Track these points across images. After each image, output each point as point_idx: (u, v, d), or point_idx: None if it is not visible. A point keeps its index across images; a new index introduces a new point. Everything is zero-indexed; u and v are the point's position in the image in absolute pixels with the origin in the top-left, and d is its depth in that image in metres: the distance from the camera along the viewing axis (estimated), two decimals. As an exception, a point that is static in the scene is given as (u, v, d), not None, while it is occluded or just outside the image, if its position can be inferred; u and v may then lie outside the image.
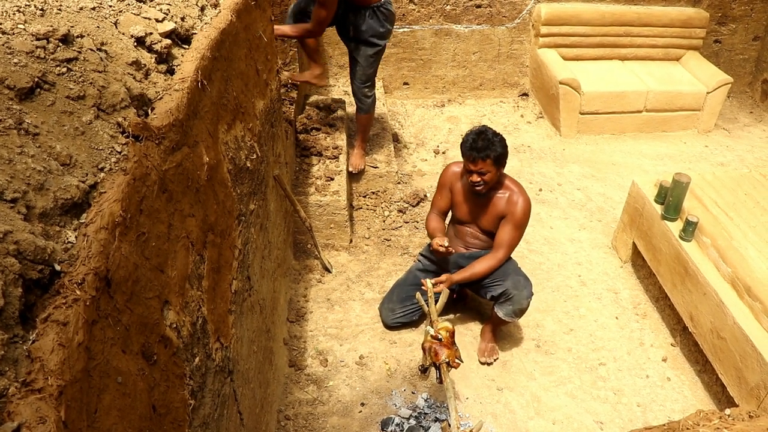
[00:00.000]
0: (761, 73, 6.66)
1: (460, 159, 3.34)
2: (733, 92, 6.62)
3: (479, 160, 3.16)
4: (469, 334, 3.72)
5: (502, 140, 3.23)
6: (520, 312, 3.40)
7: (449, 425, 3.06)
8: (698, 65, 6.07)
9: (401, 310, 3.62)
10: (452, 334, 2.87)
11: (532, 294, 3.37)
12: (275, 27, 3.77)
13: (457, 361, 2.79)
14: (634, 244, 4.16)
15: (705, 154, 5.75)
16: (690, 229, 3.52)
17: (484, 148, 3.14)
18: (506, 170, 5.18)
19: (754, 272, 3.18)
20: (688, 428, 1.19)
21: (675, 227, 3.66)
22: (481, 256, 3.44)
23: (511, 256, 3.46)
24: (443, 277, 3.32)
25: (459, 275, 3.37)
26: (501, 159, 3.22)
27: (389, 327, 3.69)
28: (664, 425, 1.26)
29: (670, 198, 3.65)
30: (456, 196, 3.51)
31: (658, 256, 3.80)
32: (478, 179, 3.22)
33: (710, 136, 6.04)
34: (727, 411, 1.25)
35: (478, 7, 5.86)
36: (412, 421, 3.13)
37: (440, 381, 2.79)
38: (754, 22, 6.47)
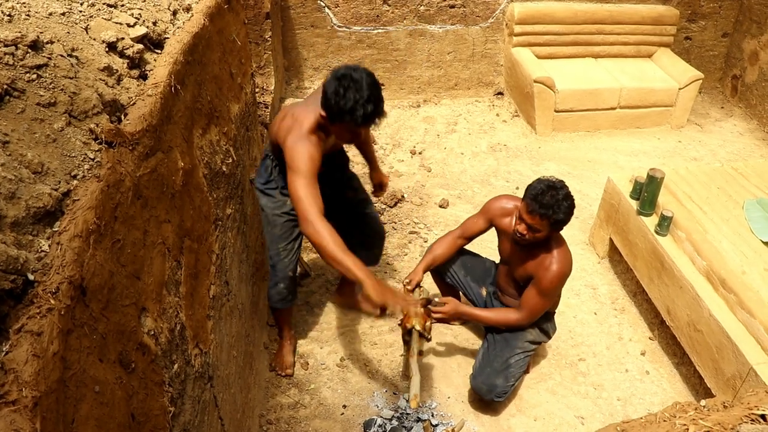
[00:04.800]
0: (731, 69, 6.77)
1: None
2: (704, 88, 6.71)
3: (537, 216, 2.78)
4: (454, 336, 3.74)
5: (571, 206, 2.82)
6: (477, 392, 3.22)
7: (431, 425, 3.08)
8: (670, 62, 6.15)
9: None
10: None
11: (498, 398, 3.16)
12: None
13: (426, 334, 2.79)
14: (610, 239, 4.20)
15: (678, 150, 5.82)
16: (665, 224, 3.56)
17: (548, 206, 2.75)
18: (483, 169, 5.27)
19: (729, 265, 3.23)
20: (665, 420, 1.21)
21: (650, 222, 3.70)
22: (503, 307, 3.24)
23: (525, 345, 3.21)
24: (448, 308, 3.02)
25: (470, 311, 3.14)
26: (559, 225, 2.84)
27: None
28: (641, 418, 1.27)
29: (645, 193, 3.69)
30: (502, 233, 3.20)
31: (635, 251, 3.84)
32: (525, 232, 2.87)
33: (683, 131, 6.12)
34: (703, 402, 1.27)
35: (452, 7, 5.88)
36: (395, 422, 3.13)
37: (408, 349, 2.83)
38: (722, 19, 6.57)
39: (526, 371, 3.47)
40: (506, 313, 3.14)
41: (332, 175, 3.09)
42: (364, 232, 3.45)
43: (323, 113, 2.56)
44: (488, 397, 3.14)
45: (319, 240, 2.44)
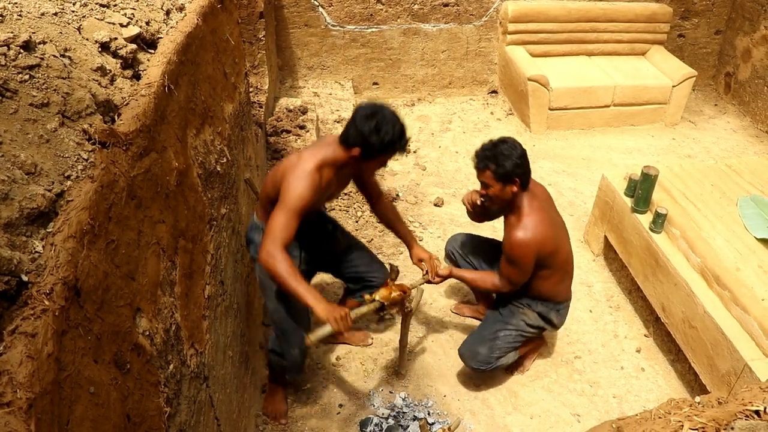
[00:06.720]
0: (724, 66, 6.79)
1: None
2: (698, 85, 6.73)
3: (478, 169, 2.87)
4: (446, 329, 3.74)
5: (518, 158, 2.80)
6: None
7: (428, 423, 3.08)
8: (663, 59, 6.17)
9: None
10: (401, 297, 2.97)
11: (479, 367, 3.19)
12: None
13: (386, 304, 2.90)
14: (605, 237, 4.21)
15: (672, 147, 5.84)
16: (659, 221, 3.57)
17: (485, 158, 2.82)
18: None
19: (723, 262, 3.24)
20: (660, 417, 1.21)
21: (645, 219, 3.71)
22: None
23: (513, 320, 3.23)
24: (446, 270, 3.15)
25: (462, 273, 3.23)
26: (505, 177, 2.81)
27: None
28: (636, 415, 1.28)
29: (640, 191, 3.69)
30: None
31: (629, 248, 3.85)
32: (483, 191, 2.94)
33: (677, 128, 6.13)
34: (697, 398, 1.27)
35: (446, 5, 5.88)
36: (391, 421, 3.14)
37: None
38: (715, 16, 6.59)
39: (524, 369, 3.48)
40: (490, 276, 3.17)
41: (320, 229, 3.19)
42: (360, 271, 3.33)
43: (355, 152, 2.62)
44: (470, 364, 3.19)
45: (274, 267, 2.45)
